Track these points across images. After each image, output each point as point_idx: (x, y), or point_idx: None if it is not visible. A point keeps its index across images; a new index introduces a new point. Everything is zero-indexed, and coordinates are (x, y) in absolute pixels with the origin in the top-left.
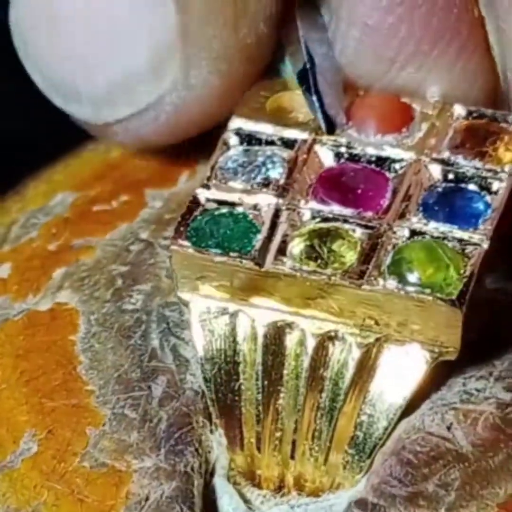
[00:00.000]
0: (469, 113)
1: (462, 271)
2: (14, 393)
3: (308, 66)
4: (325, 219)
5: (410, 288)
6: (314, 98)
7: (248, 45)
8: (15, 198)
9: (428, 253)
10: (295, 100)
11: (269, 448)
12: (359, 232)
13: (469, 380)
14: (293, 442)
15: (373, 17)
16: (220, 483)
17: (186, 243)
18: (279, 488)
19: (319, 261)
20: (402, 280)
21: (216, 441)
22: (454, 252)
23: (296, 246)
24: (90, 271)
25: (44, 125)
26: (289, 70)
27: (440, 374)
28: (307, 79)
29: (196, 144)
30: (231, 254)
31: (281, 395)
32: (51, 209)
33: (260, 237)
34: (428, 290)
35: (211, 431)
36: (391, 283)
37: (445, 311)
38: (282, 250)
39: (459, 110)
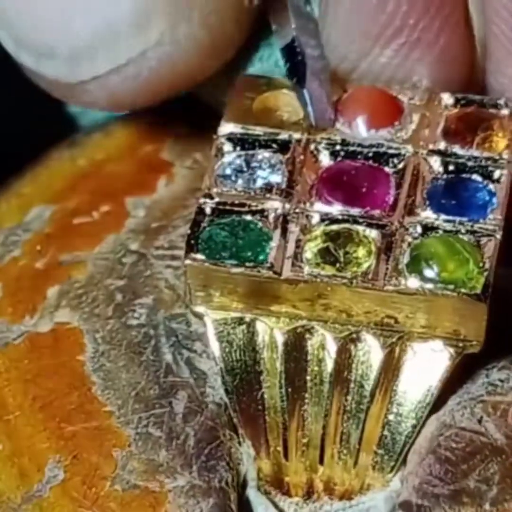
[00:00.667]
0: (457, 100)
1: (481, 264)
2: (29, 420)
3: (298, 59)
4: (335, 221)
5: (433, 285)
6: (304, 91)
7: (238, 6)
8: None
9: (448, 248)
10: (281, 99)
11: (296, 454)
12: (371, 232)
13: (491, 371)
14: (321, 447)
15: None
16: (253, 494)
17: (200, 256)
18: (308, 493)
19: (336, 264)
20: (423, 277)
21: (245, 453)
22: (470, 245)
23: (310, 251)
24: (86, 288)
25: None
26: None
27: (462, 367)
28: (297, 73)
29: (168, 147)
30: (247, 264)
31: (306, 401)
32: (28, 225)
33: (273, 244)
34: (451, 286)
35: (239, 443)
36: (413, 281)
37: (470, 306)
38: (297, 256)
39: (447, 98)
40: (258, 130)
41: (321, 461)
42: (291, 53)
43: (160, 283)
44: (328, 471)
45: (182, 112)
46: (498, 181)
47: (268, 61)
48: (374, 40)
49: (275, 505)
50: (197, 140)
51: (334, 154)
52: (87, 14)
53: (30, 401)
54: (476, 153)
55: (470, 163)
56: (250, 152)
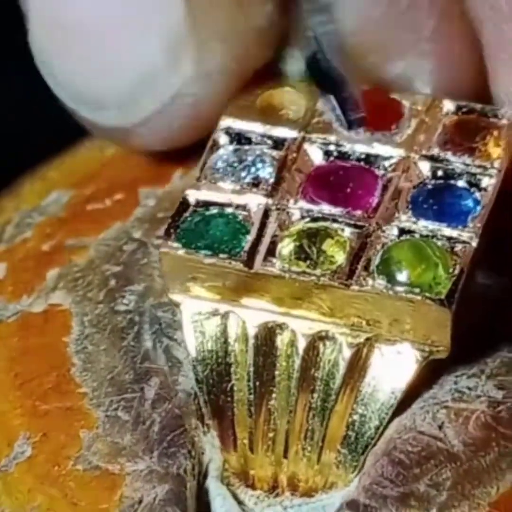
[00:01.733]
0: (459, 108)
1: (451, 270)
2: (8, 396)
3: (323, 66)
4: (314, 219)
5: (399, 288)
6: (332, 97)
7: (257, 26)
8: (10, 196)
9: (417, 252)
10: (286, 97)
11: (262, 448)
12: (348, 232)
13: (460, 378)
14: (286, 442)
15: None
16: (213, 484)
17: (176, 244)
18: (273, 488)
19: (308, 261)
20: (391, 279)
21: (209, 443)
22: (442, 251)
23: (286, 247)
24: (84, 272)
25: (38, 121)
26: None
27: (432, 372)
28: (325, 78)
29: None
30: (221, 255)
31: (273, 395)
32: (45, 208)
33: (249, 238)
34: (417, 290)
35: (204, 433)
36: (380, 283)
37: (434, 311)
38: (271, 251)
39: (448, 105)
40: (256, 126)
41: (285, 456)
42: (315, 63)
43: (154, 271)
44: (292, 467)
45: None
46: (485, 189)
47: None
48: (389, 53)
49: (236, 497)
50: None
51: (327, 154)
52: (124, 65)
53: (12, 377)
54: (467, 160)
55: (458, 170)
56: (245, 147)
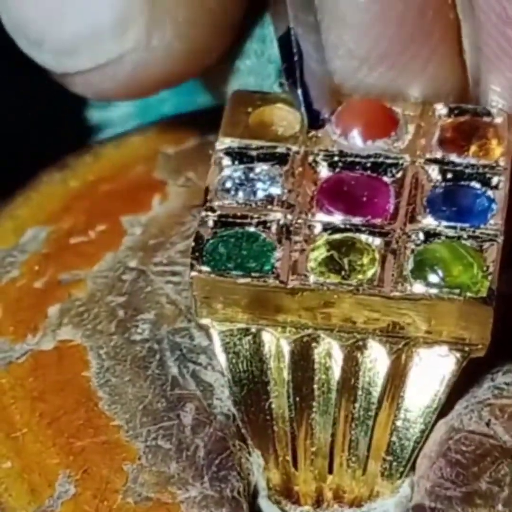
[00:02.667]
0: (451, 110)
1: (484, 268)
2: (38, 436)
3: (295, 59)
4: (337, 230)
5: (439, 290)
6: (299, 91)
7: (214, 12)
8: None
9: (452, 253)
10: (276, 114)
11: (305, 463)
12: (374, 240)
13: (496, 375)
14: (331, 455)
15: (351, 13)
16: (265, 504)
17: (205, 268)
18: (317, 502)
19: (342, 272)
20: (428, 283)
21: (255, 463)
22: (473, 250)
23: (314, 260)
24: (87, 305)
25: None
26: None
27: (468, 371)
28: (293, 73)
29: (159, 167)
30: (253, 274)
31: (314, 409)
32: (24, 246)
33: (277, 254)
34: (457, 291)
35: (249, 453)
36: (418, 287)
37: (476, 310)
38: (302, 265)
39: (440, 108)
40: (256, 144)
41: (330, 470)
42: (288, 52)
43: (162, 298)
44: (337, 480)
45: (167, 132)
46: (496, 187)
47: (262, 56)
48: (360, 62)
49: None
50: (186, 159)
51: (332, 165)
52: (73, 16)
53: (38, 418)
54: (473, 161)
55: (467, 171)
56: (249, 165)
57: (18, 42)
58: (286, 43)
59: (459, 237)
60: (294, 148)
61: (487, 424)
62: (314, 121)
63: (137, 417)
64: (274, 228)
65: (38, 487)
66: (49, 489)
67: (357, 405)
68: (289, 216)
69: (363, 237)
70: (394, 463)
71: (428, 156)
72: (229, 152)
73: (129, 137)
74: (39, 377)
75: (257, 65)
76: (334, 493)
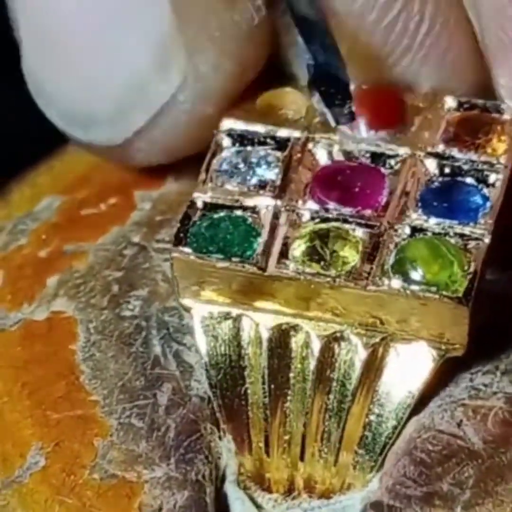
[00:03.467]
0: (460, 104)
1: (466, 267)
2: (16, 406)
3: (312, 62)
4: (325, 219)
5: (416, 287)
6: (316, 93)
7: (246, 22)
8: None
9: (432, 251)
10: (286, 97)
11: (277, 451)
12: (360, 232)
13: (475, 375)
14: (302, 444)
15: (372, 16)
16: (231, 489)
17: (187, 249)
18: (289, 490)
19: (322, 263)
20: (406, 279)
21: (225, 447)
22: (456, 248)
23: (298, 248)
24: (85, 278)
25: (23, 127)
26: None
27: (446, 370)
28: (312, 75)
29: None
30: (233, 259)
31: (288, 397)
32: (37, 214)
33: (260, 240)
34: (434, 289)
35: (220, 438)
36: (396, 282)
37: (452, 309)
38: (283, 253)
39: (450, 101)
40: (258, 127)
41: (301, 457)
42: (304, 56)
43: (157, 276)
44: (309, 469)
45: None
46: (493, 185)
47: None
48: (384, 59)
49: (253, 501)
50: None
51: (331, 154)
52: (113, 75)
53: (19, 387)
54: (473, 156)
55: (466, 167)
56: (248, 148)
57: (72, 133)
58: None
59: (446, 234)
60: (296, 133)
61: (458, 425)
62: (340, 119)
63: (115, 393)
64: (262, 213)
65: (10, 456)
66: (20, 459)
67: (331, 396)
68: (278, 203)
69: (349, 227)
70: (366, 457)
71: (429, 149)
72: (230, 134)
73: None
74: (27, 347)
75: None
76: (306, 483)
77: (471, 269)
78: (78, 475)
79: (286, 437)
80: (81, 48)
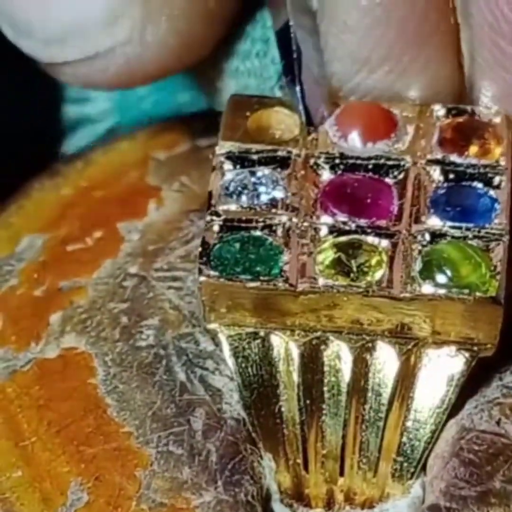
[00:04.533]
0: (448, 110)
1: (492, 268)
2: (47, 444)
3: (294, 55)
4: (343, 232)
5: (448, 290)
6: (297, 88)
7: (208, 4)
8: None
9: (461, 253)
10: (274, 117)
11: (315, 466)
12: (381, 242)
13: (504, 374)
14: (341, 458)
15: (351, 16)
16: (278, 508)
17: (214, 273)
18: (328, 504)
19: (351, 275)
20: (436, 283)
21: (267, 466)
22: (480, 250)
23: (321, 262)
24: (89, 312)
25: None
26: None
27: (476, 371)
28: (291, 69)
29: (152, 172)
30: (262, 278)
31: (324, 412)
32: (21, 255)
33: (285, 258)
34: (466, 291)
35: (261, 457)
36: (427, 287)
37: (485, 310)
38: (310, 268)
39: (438, 109)
40: (256, 148)
41: (341, 472)
42: (287, 50)
43: (165, 304)
44: (348, 482)
45: (156, 138)
46: (498, 187)
47: (265, 58)
48: (361, 64)
49: None
50: (179, 164)
51: (334, 168)
52: (64, 5)
53: (46, 426)
54: (473, 161)
55: (469, 171)
56: (251, 169)
57: (4, 30)
58: (284, 38)
59: (465, 237)
60: (295, 151)
61: (498, 423)
62: (311, 118)
63: (147, 423)
64: (279, 231)
65: (50, 495)
66: (61, 498)
67: (367, 406)
68: (294, 219)
69: (370, 238)
70: (405, 464)
71: (429, 157)
72: (230, 156)
73: (118, 143)
74: (45, 385)
75: (258, 67)
76: (345, 495)
77: (498, 269)
78: (125, 507)
79: (324, 452)
80: None
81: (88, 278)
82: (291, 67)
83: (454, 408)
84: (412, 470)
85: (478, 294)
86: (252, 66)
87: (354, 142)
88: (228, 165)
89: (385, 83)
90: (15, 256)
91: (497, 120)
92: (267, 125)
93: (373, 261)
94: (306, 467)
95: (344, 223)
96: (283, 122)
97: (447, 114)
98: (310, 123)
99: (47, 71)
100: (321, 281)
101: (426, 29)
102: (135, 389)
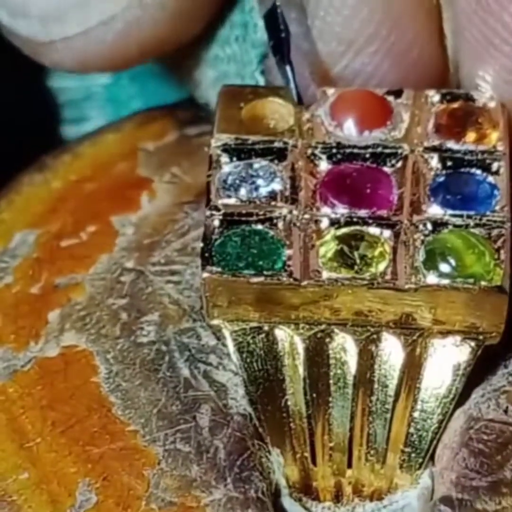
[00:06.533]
0: (443, 96)
1: (496, 256)
2: (52, 445)
3: (282, 35)
4: (345, 224)
5: (453, 280)
6: (287, 68)
7: None
8: None
9: (465, 242)
10: (268, 107)
11: (323, 459)
12: (383, 232)
13: (510, 362)
14: (349, 450)
15: None
16: (288, 502)
17: (217, 269)
18: (336, 497)
19: (354, 267)
20: (440, 273)
21: (276, 461)
22: (483, 238)
23: (325, 255)
24: (88, 309)
25: None
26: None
27: (481, 359)
28: (281, 49)
29: (142, 164)
30: (265, 273)
31: (330, 404)
32: (14, 251)
33: (287, 252)
34: (471, 280)
35: (269, 452)
36: (432, 278)
37: (491, 298)
38: (313, 261)
39: (432, 95)
40: (252, 139)
41: (349, 464)
42: (275, 29)
43: (164, 299)
44: (356, 474)
45: (143, 128)
46: (497, 173)
47: (244, 42)
48: (346, 46)
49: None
50: (168, 154)
51: (331, 158)
52: None
53: (50, 426)
54: (471, 147)
55: (467, 157)
56: (248, 161)
57: (0, 15)
58: (272, 19)
59: (467, 226)
60: (291, 141)
61: (505, 412)
62: (304, 96)
63: (153, 421)
64: (280, 224)
65: (58, 497)
66: (69, 499)
67: (374, 398)
68: (295, 212)
69: (371, 229)
70: (413, 455)
71: (426, 144)
72: (226, 149)
73: (105, 134)
74: (47, 385)
75: (238, 52)
76: (354, 487)
77: (502, 257)
78: (134, 507)
79: (331, 444)
80: None
81: (85, 274)
82: (280, 46)
83: (461, 398)
84: (420, 460)
85: (483, 283)
86: (232, 51)
87: (350, 131)
88: (225, 158)
89: (371, 64)
90: (9, 252)
91: (491, 104)
92: (262, 115)
93: (376, 252)
94: (313, 460)
95: (344, 214)
96: (278, 111)
97: (441, 99)
98: (300, 101)
99: (37, 56)
100: (325, 274)
101: (410, 9)
102: (139, 387)
